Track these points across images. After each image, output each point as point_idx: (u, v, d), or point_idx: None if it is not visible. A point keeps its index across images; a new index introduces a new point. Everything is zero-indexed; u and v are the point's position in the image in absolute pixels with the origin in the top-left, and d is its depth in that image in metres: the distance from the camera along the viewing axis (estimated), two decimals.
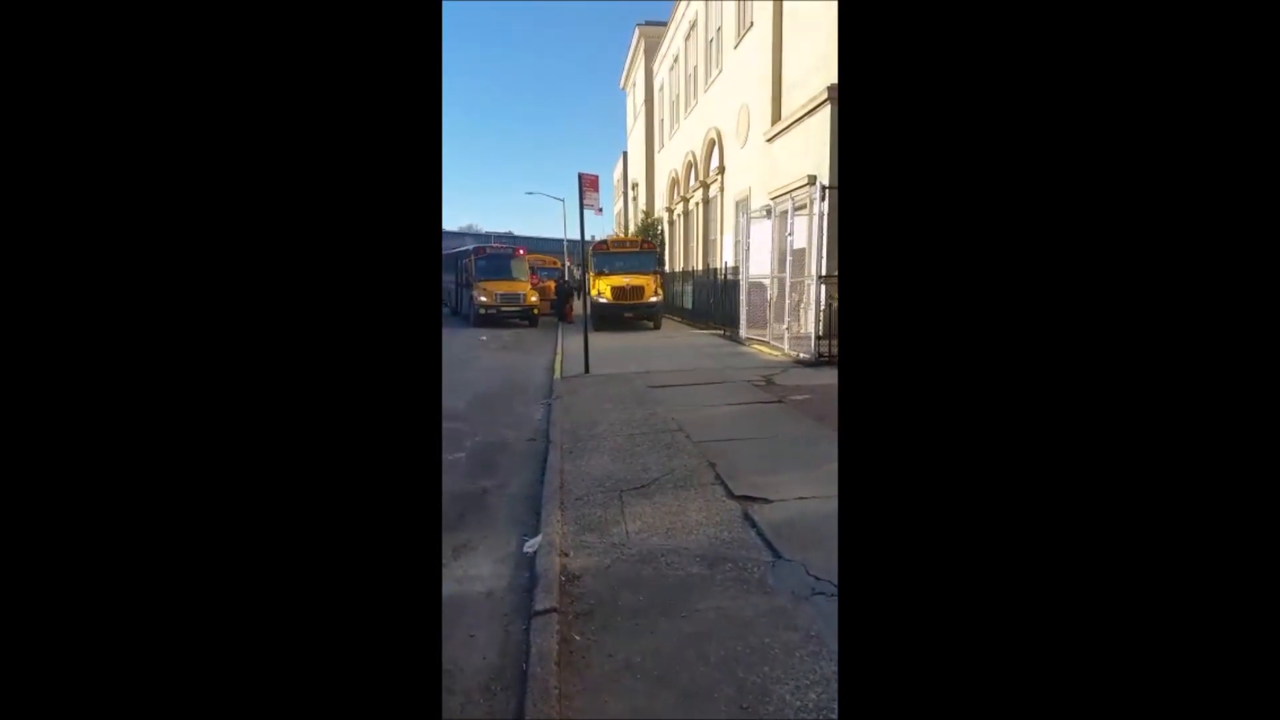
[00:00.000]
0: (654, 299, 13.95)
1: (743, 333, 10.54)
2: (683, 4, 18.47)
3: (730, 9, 14.30)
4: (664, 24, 21.36)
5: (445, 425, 5.35)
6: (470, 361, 9.55)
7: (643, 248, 15.84)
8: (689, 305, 15.48)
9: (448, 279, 19.75)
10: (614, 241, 15.77)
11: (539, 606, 2.33)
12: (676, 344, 10.75)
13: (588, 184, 7.19)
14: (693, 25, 17.81)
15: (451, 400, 6.43)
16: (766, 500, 3.37)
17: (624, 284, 13.83)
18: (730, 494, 3.50)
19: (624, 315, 14.08)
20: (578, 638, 2.17)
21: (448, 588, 2.61)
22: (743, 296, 10.62)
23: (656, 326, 13.82)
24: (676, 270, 19.09)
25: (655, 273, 14.51)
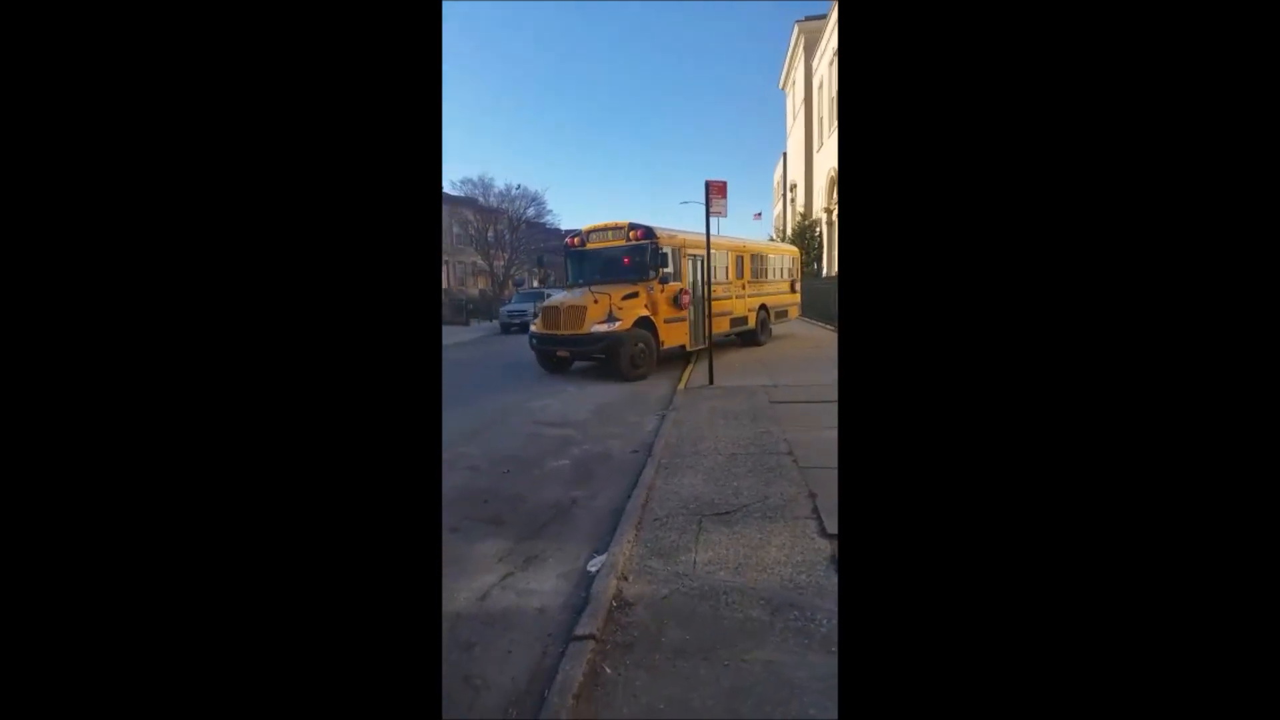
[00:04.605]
0: (605, 327, 8.02)
1: None
2: None
3: None
4: (823, 17, 20.34)
5: (558, 432, 5.58)
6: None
7: (630, 238, 8.93)
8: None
9: None
10: (591, 231, 9.62)
11: (579, 631, 2.29)
12: (821, 355, 10.10)
13: (715, 190, 7.05)
14: None
15: (574, 410, 6.69)
16: None
17: (556, 305, 8.62)
18: (823, 531, 3.15)
19: (555, 355, 8.82)
20: (608, 670, 2.09)
21: (506, 599, 2.68)
22: None
23: (630, 376, 7.92)
24: (834, 274, 18.03)
25: (639, 285, 8.46)
